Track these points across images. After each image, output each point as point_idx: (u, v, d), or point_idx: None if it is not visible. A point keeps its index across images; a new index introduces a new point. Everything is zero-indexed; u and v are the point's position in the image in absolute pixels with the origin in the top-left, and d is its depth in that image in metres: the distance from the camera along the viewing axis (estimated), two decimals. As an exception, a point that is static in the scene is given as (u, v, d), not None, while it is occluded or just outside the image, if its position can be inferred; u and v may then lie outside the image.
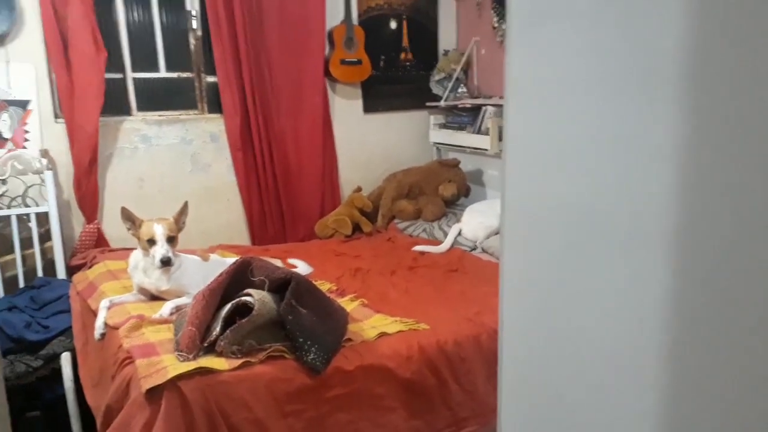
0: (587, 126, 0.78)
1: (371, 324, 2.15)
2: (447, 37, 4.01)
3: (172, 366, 1.76)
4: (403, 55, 3.91)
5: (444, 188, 3.60)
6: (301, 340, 1.85)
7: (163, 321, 2.10)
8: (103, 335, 2.17)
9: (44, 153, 2.99)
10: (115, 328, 2.09)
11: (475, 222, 3.23)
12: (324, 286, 2.57)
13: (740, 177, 0.59)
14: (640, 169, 0.70)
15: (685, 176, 0.64)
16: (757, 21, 0.56)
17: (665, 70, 0.64)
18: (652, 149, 0.68)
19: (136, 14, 3.22)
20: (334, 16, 3.56)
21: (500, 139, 3.27)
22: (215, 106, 3.45)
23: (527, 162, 0.91)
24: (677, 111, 0.64)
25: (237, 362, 1.81)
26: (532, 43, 0.86)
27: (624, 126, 0.71)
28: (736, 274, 0.60)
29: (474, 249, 3.15)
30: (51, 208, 2.91)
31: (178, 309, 2.16)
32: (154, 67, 3.31)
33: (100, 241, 3.13)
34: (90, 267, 2.79)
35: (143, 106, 3.31)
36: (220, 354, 1.83)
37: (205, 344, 1.85)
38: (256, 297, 1.84)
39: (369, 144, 3.89)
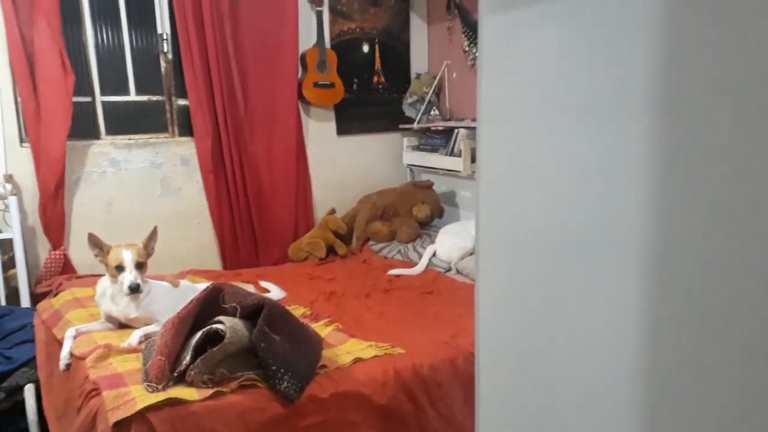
0: (559, 150, 0.78)
1: (346, 349, 2.12)
2: (419, 60, 4.06)
3: (141, 397, 1.71)
4: (375, 78, 3.94)
5: (418, 210, 3.61)
6: (274, 368, 1.81)
7: (132, 350, 2.05)
8: (68, 366, 2.10)
9: (8, 178, 2.92)
10: (82, 358, 2.02)
11: (449, 243, 3.24)
12: (298, 310, 2.54)
13: (711, 198, 0.60)
14: (611, 193, 0.70)
15: (656, 199, 0.65)
16: (721, 52, 0.57)
17: (635, 97, 0.66)
18: (623, 173, 0.68)
19: (105, 37, 3.18)
20: (306, 39, 3.58)
21: (473, 160, 3.31)
22: (186, 129, 3.42)
23: (501, 185, 0.91)
24: (648, 135, 0.65)
25: (208, 392, 1.76)
26: (504, 69, 0.87)
27: (595, 151, 0.72)
28: (708, 293, 0.61)
29: (448, 270, 3.15)
30: (15, 234, 2.83)
31: (147, 337, 2.11)
32: (124, 90, 3.27)
33: (66, 268, 3.05)
34: (56, 295, 2.71)
35: (112, 130, 3.26)
36: (190, 384, 1.79)
37: (175, 374, 1.80)
38: (228, 324, 1.81)
39: (342, 166, 3.89)
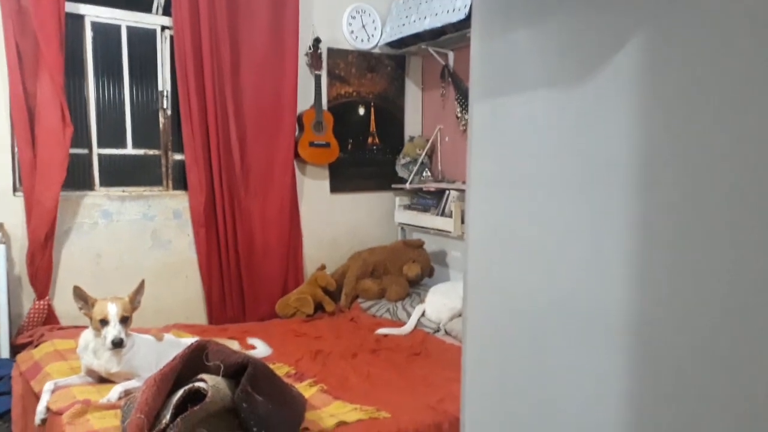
0: (543, 219, 0.81)
1: (330, 412, 2.08)
2: (412, 123, 4.17)
3: (116, 457, 1.66)
4: (370, 140, 4.03)
5: (408, 268, 3.61)
6: (255, 429, 1.77)
7: (111, 406, 2.00)
8: (44, 421, 2.05)
9: (-1, 226, 2.92)
10: (59, 413, 1.98)
11: (438, 303, 3.23)
12: (282, 369, 2.50)
13: (691, 266, 0.61)
14: (596, 262, 0.72)
15: (639, 268, 0.66)
16: (697, 126, 0.61)
17: (616, 171, 0.68)
18: (607, 243, 0.71)
19: (107, 91, 3.26)
20: (304, 100, 3.68)
21: (463, 221, 3.35)
22: (180, 183, 3.45)
23: (488, 251, 0.93)
24: (630, 206, 0.67)
25: (186, 453, 1.71)
26: (491, 143, 0.91)
27: (578, 220, 0.75)
28: (696, 369, 0.62)
29: (437, 331, 3.13)
30: (0, 283, 2.80)
31: (127, 393, 2.06)
32: (122, 144, 3.33)
33: (49, 318, 3.00)
34: (36, 346, 2.66)
35: (107, 182, 3.29)
36: (168, 444, 1.73)
37: (154, 433, 1.75)
38: (210, 383, 1.78)
39: (335, 223, 3.92)
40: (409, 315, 3.26)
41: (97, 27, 3.21)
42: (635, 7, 0.65)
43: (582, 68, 0.72)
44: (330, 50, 3.82)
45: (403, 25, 3.68)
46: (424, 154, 3.95)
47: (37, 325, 2.94)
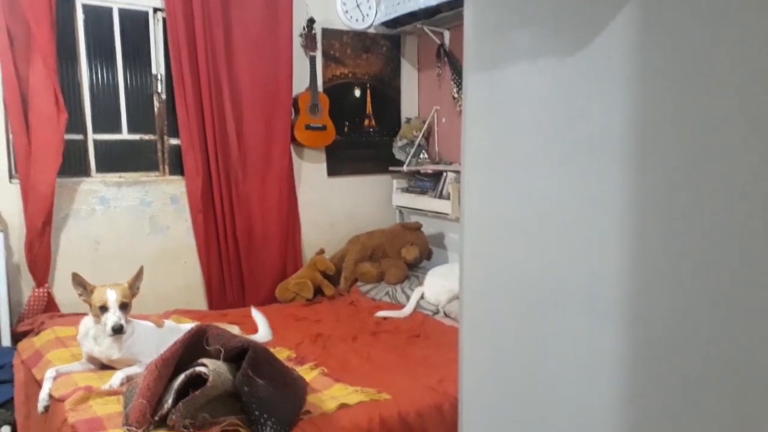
0: (539, 197, 0.80)
1: (331, 394, 2.09)
2: (409, 105, 4.14)
3: (119, 442, 1.67)
4: (366, 122, 4.00)
5: (407, 251, 3.61)
6: (257, 412, 1.78)
7: (113, 392, 2.01)
8: (46, 408, 2.05)
9: (-5, 214, 2.90)
10: (61, 400, 1.98)
11: (437, 285, 3.23)
12: (283, 353, 2.51)
13: (684, 245, 0.61)
14: (592, 240, 0.71)
15: (634, 247, 0.66)
16: (695, 95, 0.60)
17: (612, 146, 0.67)
18: (603, 219, 0.70)
19: (100, 76, 3.22)
20: (299, 83, 3.64)
21: (461, 203, 3.33)
22: (177, 168, 3.43)
23: (484, 235, 0.93)
24: (625, 184, 0.66)
25: (189, 437, 1.72)
26: (485, 120, 0.89)
27: (573, 198, 0.74)
28: (688, 348, 0.61)
29: (436, 313, 3.14)
30: (-1, 271, 2.79)
31: (129, 379, 2.07)
32: (117, 129, 3.30)
33: (49, 306, 3.00)
34: (37, 333, 2.67)
35: (103, 168, 3.27)
36: (171, 428, 1.75)
37: (156, 418, 1.77)
38: (211, 367, 1.78)
39: (332, 207, 3.91)
40: (408, 298, 3.27)
41: (88, 10, 3.16)
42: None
43: (577, 37, 0.70)
44: (324, 31, 3.77)
45: (398, 3, 3.64)
46: (421, 135, 3.93)
47: (37, 313, 2.94)
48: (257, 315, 2.93)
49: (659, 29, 0.61)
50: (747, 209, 0.56)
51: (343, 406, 2.01)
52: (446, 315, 3.10)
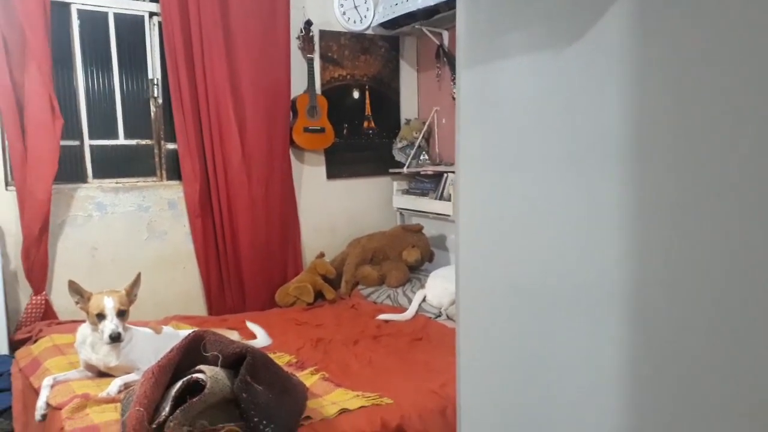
0: (534, 197, 0.78)
1: (332, 399, 2.06)
2: (408, 106, 4.11)
3: (116, 452, 1.64)
4: (366, 124, 3.97)
5: (408, 253, 3.58)
6: (256, 419, 1.75)
7: (110, 400, 1.99)
8: (44, 416, 2.03)
9: (-8, 221, 2.88)
10: (58, 408, 1.96)
11: (439, 288, 3.20)
12: (283, 358, 2.48)
13: (683, 244, 0.59)
14: (588, 241, 0.69)
15: (632, 246, 0.63)
16: (690, 89, 0.57)
17: (608, 145, 0.65)
18: (599, 220, 0.67)
19: (96, 81, 3.20)
20: (297, 85, 3.62)
21: (455, 203, 3.30)
22: (174, 173, 3.41)
23: (479, 235, 0.90)
24: (622, 181, 0.64)
25: (187, 445, 1.69)
26: (480, 120, 0.87)
27: (571, 198, 0.71)
28: (690, 348, 0.59)
29: (439, 316, 3.11)
30: (-4, 279, 2.77)
31: (126, 386, 2.05)
32: (113, 134, 3.27)
33: (47, 313, 2.98)
34: (35, 341, 2.64)
35: (100, 173, 3.24)
36: (169, 436, 1.71)
37: (154, 425, 1.73)
38: (209, 374, 1.75)
39: (332, 210, 3.88)
40: (409, 301, 3.24)
41: (83, 15, 3.14)
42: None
43: (570, 33, 0.68)
44: (322, 32, 3.75)
45: (396, 4, 3.62)
46: (421, 137, 3.90)
47: (35, 321, 2.91)
48: (253, 326, 2.88)
49: (653, 23, 0.59)
50: (748, 206, 0.53)
51: (343, 411, 1.98)
52: (449, 318, 3.06)
